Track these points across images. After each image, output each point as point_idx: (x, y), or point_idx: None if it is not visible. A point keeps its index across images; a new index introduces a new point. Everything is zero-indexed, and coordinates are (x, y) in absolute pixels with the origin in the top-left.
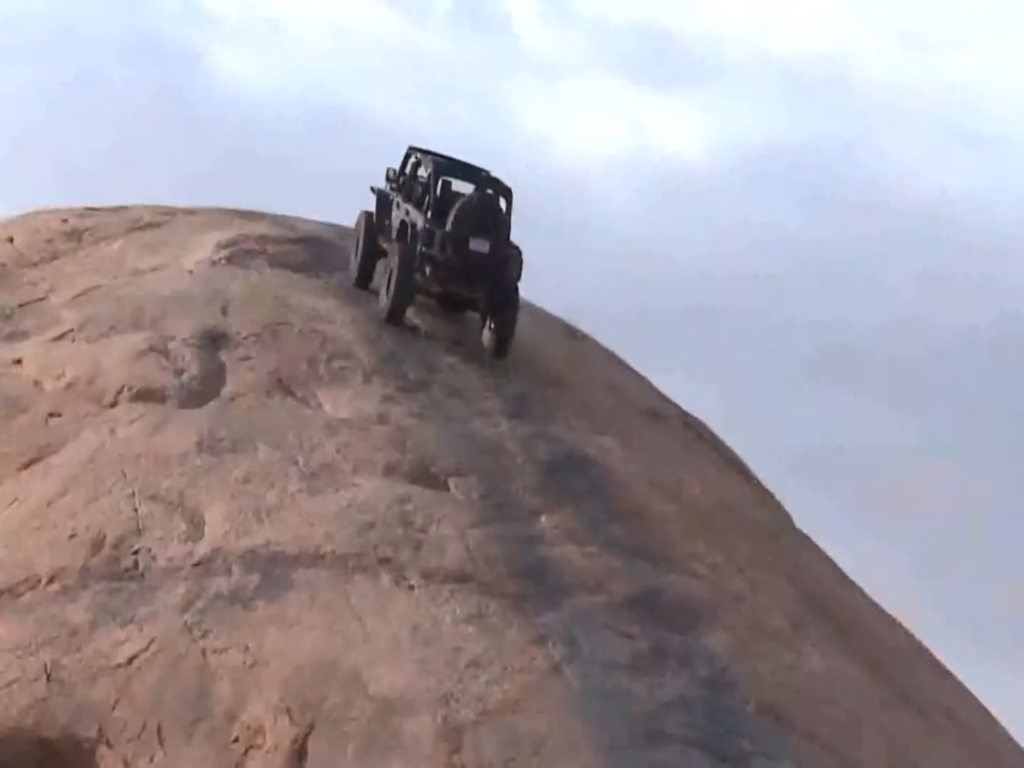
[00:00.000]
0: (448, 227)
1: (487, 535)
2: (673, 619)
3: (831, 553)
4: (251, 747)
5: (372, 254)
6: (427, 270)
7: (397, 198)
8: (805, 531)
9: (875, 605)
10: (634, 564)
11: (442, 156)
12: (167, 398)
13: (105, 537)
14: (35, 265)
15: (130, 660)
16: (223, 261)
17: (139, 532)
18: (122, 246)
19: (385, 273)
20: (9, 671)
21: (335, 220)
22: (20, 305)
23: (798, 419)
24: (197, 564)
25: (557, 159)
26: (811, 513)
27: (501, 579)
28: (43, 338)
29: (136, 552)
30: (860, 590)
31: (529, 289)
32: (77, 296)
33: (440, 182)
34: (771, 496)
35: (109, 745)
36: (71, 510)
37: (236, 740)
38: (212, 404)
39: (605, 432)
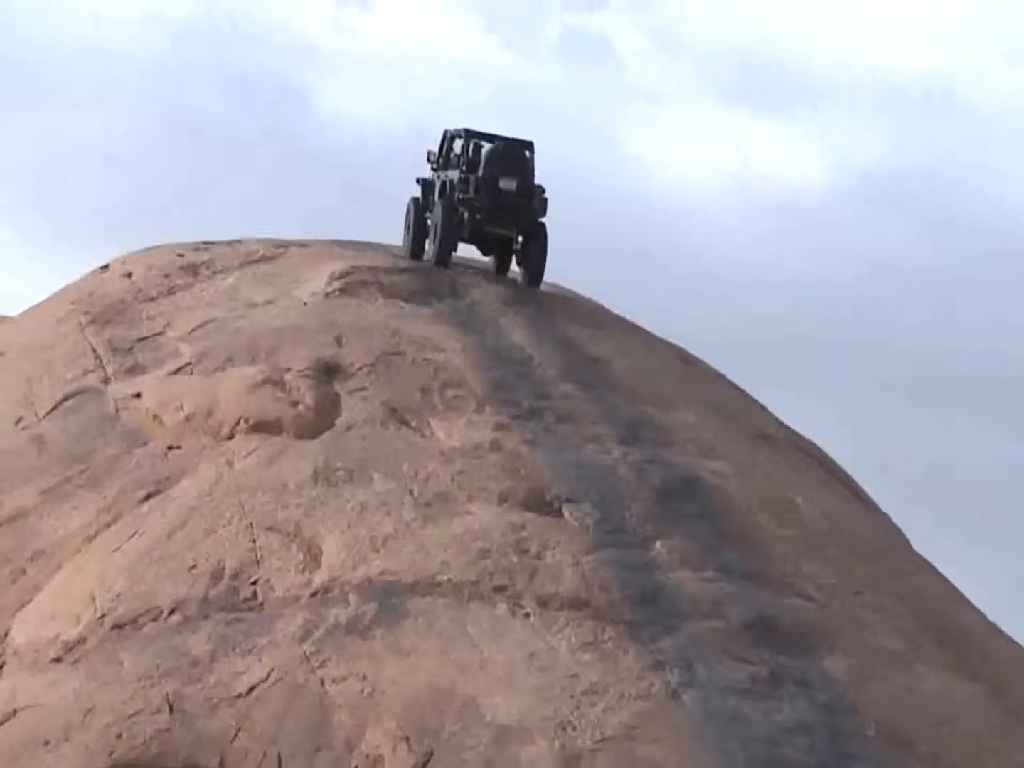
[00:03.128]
0: (480, 172)
1: (602, 561)
2: (790, 643)
3: (949, 574)
4: None
5: (421, 231)
6: (465, 214)
7: (438, 174)
8: (922, 552)
9: (994, 626)
10: (749, 588)
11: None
12: (283, 429)
13: (224, 568)
14: (153, 299)
15: (250, 690)
16: (336, 292)
17: (257, 563)
18: (237, 279)
19: (431, 230)
20: (132, 702)
21: None
22: (139, 339)
23: (917, 443)
24: (314, 594)
25: (663, 185)
26: (930, 534)
27: (616, 605)
28: (161, 372)
29: (255, 583)
30: (979, 611)
31: (638, 313)
32: (194, 330)
33: (471, 144)
34: (886, 517)
35: None
36: (190, 541)
37: None
38: (327, 435)
39: (717, 456)
